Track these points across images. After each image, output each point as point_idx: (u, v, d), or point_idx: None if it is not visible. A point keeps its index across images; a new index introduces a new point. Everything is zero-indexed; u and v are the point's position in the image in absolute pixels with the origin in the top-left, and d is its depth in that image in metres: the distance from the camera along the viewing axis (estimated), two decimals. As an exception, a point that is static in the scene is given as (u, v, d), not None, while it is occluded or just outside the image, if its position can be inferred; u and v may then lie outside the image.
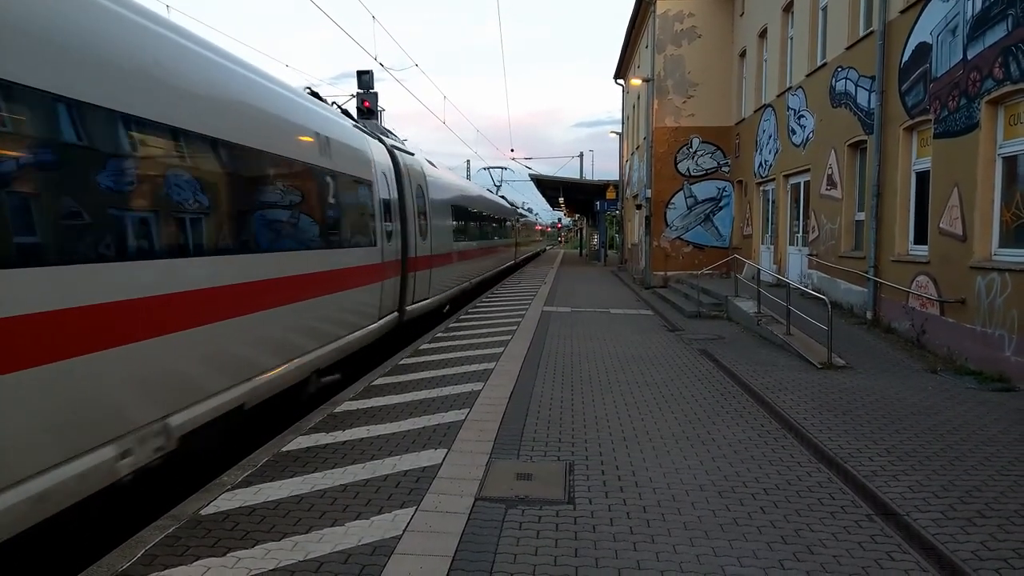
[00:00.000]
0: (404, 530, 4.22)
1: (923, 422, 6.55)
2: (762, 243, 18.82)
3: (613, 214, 40.20)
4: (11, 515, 3.56)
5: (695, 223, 21.92)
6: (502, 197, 38.57)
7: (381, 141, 11.22)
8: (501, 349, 10.43)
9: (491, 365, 9.20)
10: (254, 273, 6.10)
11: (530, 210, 65.67)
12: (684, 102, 21.68)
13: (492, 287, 22.45)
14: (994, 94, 8.38)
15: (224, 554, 3.93)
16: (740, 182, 20.78)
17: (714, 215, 21.82)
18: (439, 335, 12.00)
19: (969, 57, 8.91)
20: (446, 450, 5.70)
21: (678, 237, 21.99)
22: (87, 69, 4.20)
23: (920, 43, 10.20)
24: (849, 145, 12.85)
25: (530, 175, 40.44)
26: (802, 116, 15.22)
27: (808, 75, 14.85)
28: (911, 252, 10.75)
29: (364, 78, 16.30)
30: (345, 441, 5.99)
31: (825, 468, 5.36)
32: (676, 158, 21.83)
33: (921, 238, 10.45)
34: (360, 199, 9.34)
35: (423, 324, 13.11)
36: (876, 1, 11.51)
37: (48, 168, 3.92)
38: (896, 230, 11.03)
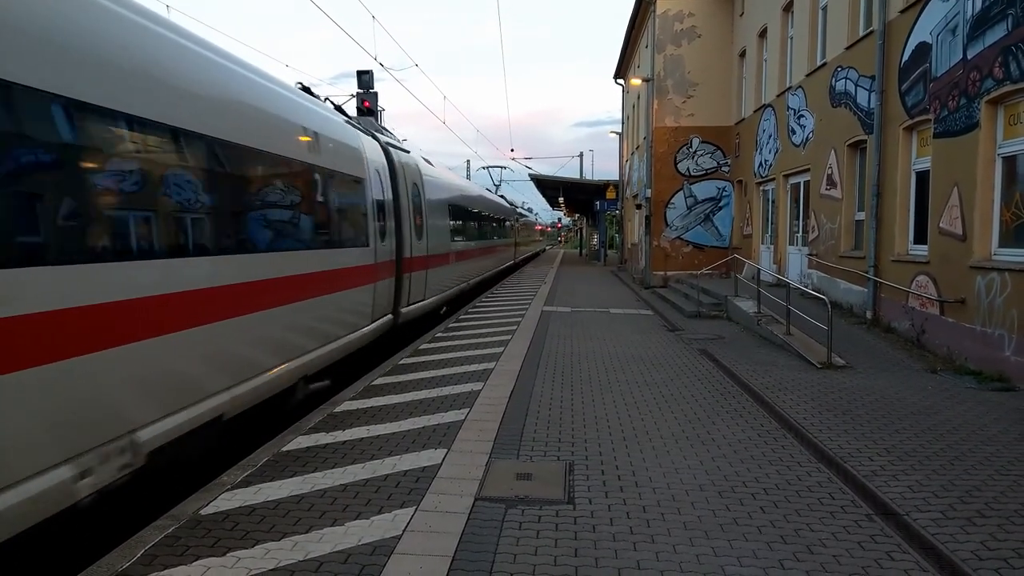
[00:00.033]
0: (404, 530, 4.22)
1: (923, 422, 6.55)
2: (762, 243, 18.82)
3: (613, 214, 40.23)
4: None
5: (695, 223, 21.92)
6: (501, 196, 38.48)
7: (375, 138, 10.97)
8: (501, 349, 10.43)
9: (491, 365, 9.20)
10: (230, 276, 5.77)
11: (530, 210, 65.69)
12: (684, 102, 21.68)
13: (491, 287, 22.40)
14: (994, 94, 8.38)
15: (224, 554, 3.93)
16: (740, 182, 20.78)
17: (714, 215, 21.82)
18: (439, 335, 12.00)
19: (969, 57, 8.91)
20: (446, 450, 5.70)
21: (678, 237, 21.99)
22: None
23: (920, 43, 10.20)
24: (849, 145, 12.85)
25: (530, 175, 40.48)
26: (802, 116, 15.22)
27: (808, 75, 14.85)
28: (911, 252, 10.75)
29: (364, 78, 16.32)
30: (345, 441, 5.99)
31: (825, 468, 5.36)
32: (676, 158, 21.84)
33: (921, 238, 10.45)
34: (351, 197, 9.07)
35: (419, 326, 12.92)
36: (876, 1, 11.51)
37: None
38: (896, 230, 11.03)
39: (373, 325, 9.78)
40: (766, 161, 17.87)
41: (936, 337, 9.54)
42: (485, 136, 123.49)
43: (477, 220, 21.32)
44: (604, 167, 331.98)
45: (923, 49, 10.10)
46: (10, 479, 3.59)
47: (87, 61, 4.23)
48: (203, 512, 4.48)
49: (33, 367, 3.71)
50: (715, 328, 12.83)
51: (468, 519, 4.37)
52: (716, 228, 21.79)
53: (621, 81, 32.54)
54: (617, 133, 36.22)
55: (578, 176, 45.96)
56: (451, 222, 16.36)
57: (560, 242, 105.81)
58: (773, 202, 17.64)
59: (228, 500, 4.68)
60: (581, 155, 51.25)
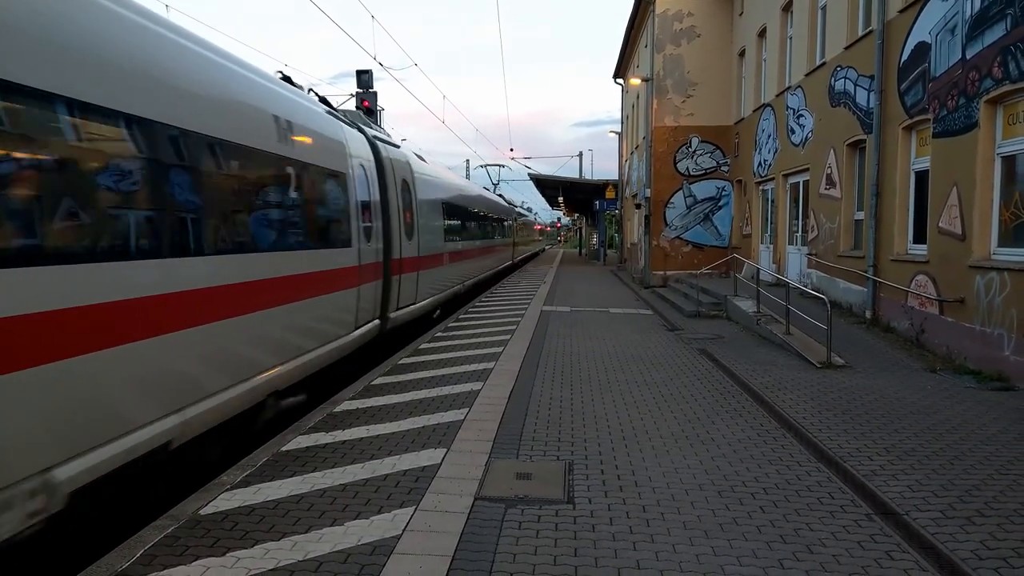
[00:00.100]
0: (403, 530, 4.21)
1: (922, 421, 6.55)
2: (761, 242, 18.82)
3: (612, 213, 40.24)
4: None
5: (694, 222, 21.93)
6: (500, 195, 38.35)
7: (361, 131, 10.17)
8: (500, 349, 10.43)
9: (490, 365, 9.20)
10: (177, 282, 5.01)
11: (529, 209, 65.75)
12: (683, 101, 21.69)
13: (490, 288, 22.29)
14: (993, 93, 8.39)
15: (223, 554, 3.92)
16: (739, 181, 20.78)
17: (713, 214, 21.82)
18: (438, 335, 11.99)
19: (968, 56, 8.92)
20: (445, 450, 5.70)
21: (677, 236, 22.00)
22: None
23: (919, 42, 10.20)
24: (848, 144, 12.85)
25: (529, 174, 40.51)
26: (801, 115, 15.22)
27: (807, 74, 14.86)
28: (910, 251, 10.76)
29: (363, 78, 16.35)
30: (345, 441, 5.99)
31: (824, 467, 5.36)
32: (675, 157, 21.84)
33: (920, 237, 10.46)
34: (330, 193, 8.30)
35: (411, 330, 12.33)
36: (875, 0, 11.52)
37: None
38: (895, 229, 11.04)
39: (357, 332, 9.03)
40: (765, 161, 17.88)
41: (935, 336, 9.54)
42: (484, 136, 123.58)
43: (474, 219, 20.80)
44: (603, 167, 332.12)
45: (922, 49, 10.11)
46: None
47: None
48: (202, 512, 4.48)
49: None
50: (714, 328, 12.84)
51: (468, 519, 4.37)
52: (715, 228, 21.80)
53: (620, 81, 32.54)
54: (616, 133, 36.25)
55: (577, 176, 45.99)
56: (445, 221, 15.62)
57: (559, 242, 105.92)
58: (772, 202, 17.65)
59: (227, 500, 4.68)
60: (580, 155, 51.32)
